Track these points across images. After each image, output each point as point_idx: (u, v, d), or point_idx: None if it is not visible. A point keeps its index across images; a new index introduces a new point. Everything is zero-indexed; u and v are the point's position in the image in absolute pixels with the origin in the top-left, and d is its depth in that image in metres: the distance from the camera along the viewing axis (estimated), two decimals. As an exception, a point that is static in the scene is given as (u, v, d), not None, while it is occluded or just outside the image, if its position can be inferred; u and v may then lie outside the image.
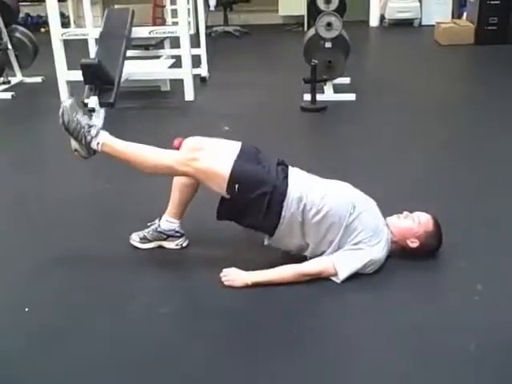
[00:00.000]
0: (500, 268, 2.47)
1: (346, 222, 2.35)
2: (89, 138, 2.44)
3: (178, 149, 3.81)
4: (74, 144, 2.49)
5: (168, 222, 2.63)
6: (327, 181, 2.53)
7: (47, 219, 3.06)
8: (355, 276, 2.35)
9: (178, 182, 2.59)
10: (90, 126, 2.45)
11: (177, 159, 2.41)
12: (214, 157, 2.40)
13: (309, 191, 2.38)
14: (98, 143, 2.45)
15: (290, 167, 2.53)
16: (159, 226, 2.64)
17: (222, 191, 2.38)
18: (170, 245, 2.66)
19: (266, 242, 2.50)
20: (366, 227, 2.37)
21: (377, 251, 2.38)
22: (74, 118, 2.43)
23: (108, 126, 4.50)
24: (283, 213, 2.35)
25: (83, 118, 2.46)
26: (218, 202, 2.44)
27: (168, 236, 2.64)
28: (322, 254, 2.42)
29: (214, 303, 2.31)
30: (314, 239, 2.40)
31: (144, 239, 2.67)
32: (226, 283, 2.36)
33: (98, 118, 4.51)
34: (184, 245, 2.67)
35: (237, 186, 2.33)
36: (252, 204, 2.36)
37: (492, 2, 7.46)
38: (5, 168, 3.88)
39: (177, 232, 2.64)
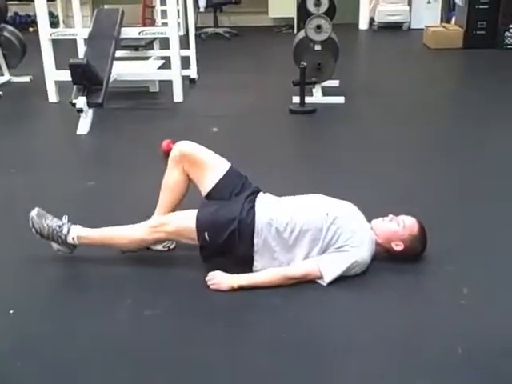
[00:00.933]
0: (486, 272, 2.49)
1: (324, 231, 2.37)
2: (63, 236, 2.54)
3: (166, 151, 3.84)
4: (54, 246, 2.59)
5: None
6: (296, 198, 2.56)
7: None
8: (341, 278, 2.35)
9: (166, 184, 2.61)
10: (60, 227, 2.55)
11: (145, 231, 2.51)
12: (177, 216, 2.52)
13: (277, 214, 2.42)
14: (73, 238, 2.55)
15: (260, 194, 2.56)
16: None
17: (195, 242, 2.44)
18: (158, 246, 2.65)
19: (253, 269, 2.47)
20: (345, 230, 2.38)
21: (361, 252, 2.38)
22: (44, 224, 2.54)
23: (96, 126, 4.51)
24: (255, 240, 2.39)
25: (52, 222, 2.56)
26: (199, 249, 2.46)
27: None
28: None
29: (200, 306, 2.31)
30: (298, 256, 2.41)
31: None
32: (211, 287, 2.36)
33: (86, 118, 4.50)
34: (171, 247, 2.67)
35: (206, 233, 2.40)
36: (225, 244, 2.41)
37: (481, 7, 7.50)
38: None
39: None
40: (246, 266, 2.44)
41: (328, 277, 2.34)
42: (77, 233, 2.56)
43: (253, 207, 2.46)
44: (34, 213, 2.57)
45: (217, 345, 2.09)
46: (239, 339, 2.13)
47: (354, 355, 2.02)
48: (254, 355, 2.03)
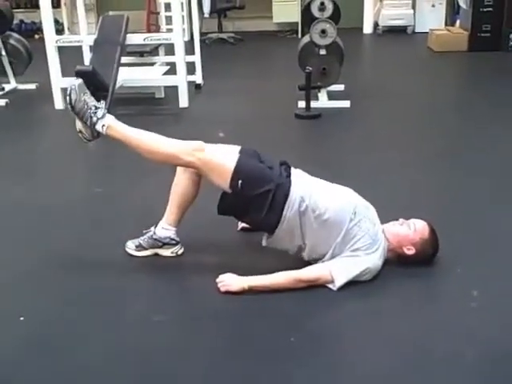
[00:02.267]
0: (496, 274, 2.48)
1: (346, 227, 2.35)
2: (94, 119, 2.45)
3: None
4: (78, 125, 2.50)
5: (164, 229, 2.61)
6: (330, 184, 2.53)
7: (41, 226, 3.05)
8: (352, 283, 2.35)
9: (177, 188, 2.56)
10: (96, 108, 2.46)
11: (182, 148, 2.42)
12: (218, 150, 2.44)
13: (312, 193, 2.38)
14: (104, 125, 2.46)
15: (292, 168, 2.53)
16: (155, 233, 2.62)
17: (224, 185, 2.38)
18: (166, 252, 2.65)
19: (264, 243, 2.49)
20: (366, 234, 2.36)
21: (374, 259, 2.37)
22: (82, 98, 2.45)
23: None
24: (285, 212, 2.35)
25: (90, 100, 2.47)
26: (220, 197, 2.44)
27: (164, 243, 2.63)
28: (319, 256, 2.42)
29: (210, 310, 2.30)
30: (314, 241, 2.40)
31: (139, 247, 2.66)
32: (222, 289, 2.35)
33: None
34: (179, 252, 2.66)
35: (240, 181, 2.34)
36: (254, 201, 2.36)
37: (485, 10, 7.51)
38: (-1, 175, 3.87)
39: (172, 239, 2.62)
40: (263, 230, 2.45)
41: (339, 281, 2.33)
42: (109, 122, 2.45)
43: (289, 176, 2.43)
44: (76, 82, 2.46)
45: (226, 349, 2.08)
46: (248, 343, 2.12)
47: (364, 359, 2.01)
48: (263, 359, 2.02)
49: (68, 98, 2.45)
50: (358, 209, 2.40)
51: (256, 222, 2.46)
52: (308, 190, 2.39)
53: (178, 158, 2.42)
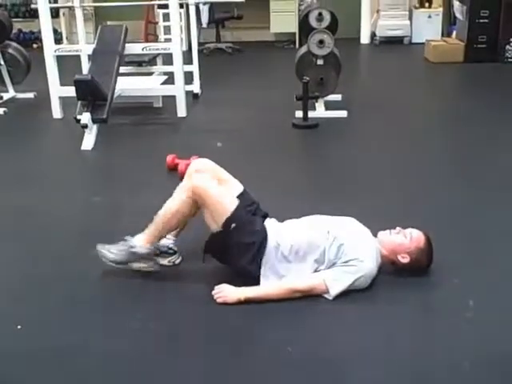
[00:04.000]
0: (492, 284, 2.49)
1: (327, 248, 2.40)
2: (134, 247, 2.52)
3: (171, 166, 3.86)
4: (135, 266, 2.57)
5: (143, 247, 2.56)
6: (298, 221, 2.58)
7: (37, 234, 3.05)
8: (347, 292, 2.36)
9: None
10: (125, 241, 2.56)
11: (187, 188, 2.48)
12: (223, 189, 2.52)
13: (282, 238, 2.46)
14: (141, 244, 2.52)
15: (267, 219, 2.60)
16: None
17: (217, 222, 2.43)
18: (163, 261, 2.65)
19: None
20: (349, 245, 2.40)
21: (367, 266, 2.39)
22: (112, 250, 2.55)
23: (101, 142, 4.53)
24: (263, 263, 2.43)
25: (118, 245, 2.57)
26: (208, 238, 2.49)
27: (161, 252, 2.63)
28: None
29: (206, 320, 2.31)
30: (304, 274, 2.42)
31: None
32: (218, 300, 2.36)
33: (91, 134, 4.52)
34: (177, 262, 2.67)
35: (233, 225, 2.41)
36: (238, 248, 2.43)
37: (481, 21, 7.55)
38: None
39: (170, 249, 2.64)
40: (249, 278, 2.45)
41: (334, 291, 2.35)
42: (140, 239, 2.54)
43: (266, 228, 2.51)
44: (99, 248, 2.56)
45: (223, 358, 2.09)
46: (245, 353, 2.13)
47: (360, 369, 2.02)
48: (260, 369, 2.03)
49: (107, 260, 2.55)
50: (330, 226, 2.46)
51: (236, 268, 2.51)
52: (279, 237, 2.46)
53: (187, 202, 2.46)
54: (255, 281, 2.43)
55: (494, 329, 2.20)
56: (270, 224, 2.56)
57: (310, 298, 2.36)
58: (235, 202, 2.47)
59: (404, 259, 2.47)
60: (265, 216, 2.63)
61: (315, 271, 2.42)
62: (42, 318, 2.34)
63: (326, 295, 2.36)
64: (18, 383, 1.99)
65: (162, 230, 2.53)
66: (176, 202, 2.49)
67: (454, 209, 3.24)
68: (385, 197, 3.40)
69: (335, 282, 2.35)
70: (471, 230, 2.97)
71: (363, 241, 2.46)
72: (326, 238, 2.41)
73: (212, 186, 2.49)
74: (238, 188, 2.63)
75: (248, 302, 2.34)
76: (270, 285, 2.39)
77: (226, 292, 2.38)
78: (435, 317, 2.31)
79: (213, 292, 2.39)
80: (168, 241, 2.63)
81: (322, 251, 2.40)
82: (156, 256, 2.63)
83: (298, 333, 2.20)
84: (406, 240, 2.47)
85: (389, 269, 2.51)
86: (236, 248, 2.43)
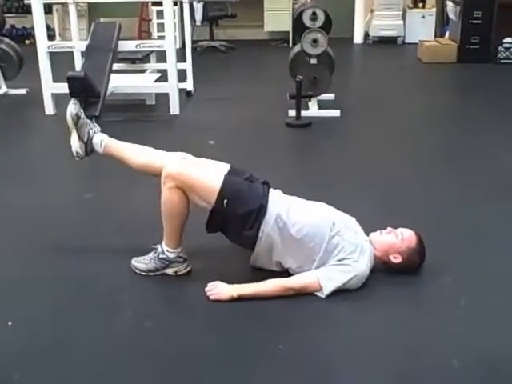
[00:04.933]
0: (483, 283, 2.50)
1: (327, 239, 2.38)
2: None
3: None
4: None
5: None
6: (306, 201, 2.57)
7: (29, 230, 3.04)
8: (339, 291, 2.36)
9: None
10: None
11: (169, 160, 2.50)
12: (204, 170, 2.47)
13: (289, 210, 2.43)
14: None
15: (271, 188, 2.57)
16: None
17: (208, 204, 2.40)
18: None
19: (251, 261, 2.53)
20: (348, 243, 2.40)
21: (361, 266, 2.40)
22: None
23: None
24: (262, 227, 2.39)
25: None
26: (208, 216, 2.46)
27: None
28: (305, 270, 2.43)
29: (199, 317, 2.31)
30: (297, 258, 2.43)
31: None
32: (211, 297, 2.36)
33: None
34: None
35: (225, 201, 2.37)
36: (238, 219, 2.40)
37: (474, 22, 7.59)
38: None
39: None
40: (243, 246, 2.50)
41: (327, 289, 2.35)
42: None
43: (268, 194, 2.48)
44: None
45: (215, 356, 2.09)
46: (236, 350, 2.13)
47: (351, 367, 2.03)
48: (251, 366, 2.03)
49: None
50: (336, 220, 2.45)
51: (236, 239, 2.51)
52: (285, 208, 2.44)
53: (164, 183, 2.42)
54: (251, 246, 2.43)
55: (485, 327, 2.21)
56: (276, 194, 2.53)
57: (302, 295, 2.36)
58: (220, 177, 2.42)
59: (396, 259, 2.47)
60: (264, 183, 2.57)
61: (306, 258, 2.41)
62: (32, 315, 2.33)
63: (318, 293, 2.36)
64: (7, 381, 1.99)
65: (173, 229, 2.48)
66: (164, 199, 2.43)
67: (446, 208, 3.26)
68: (377, 196, 3.40)
69: (329, 281, 2.35)
70: (463, 229, 2.99)
71: (361, 241, 2.46)
72: (330, 228, 2.40)
73: (188, 166, 2.46)
74: (223, 167, 2.56)
75: (241, 299, 2.34)
76: (263, 282, 2.39)
77: (219, 289, 2.38)
78: (426, 315, 2.32)
79: (206, 289, 2.39)
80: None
81: (322, 240, 2.38)
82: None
83: (289, 330, 2.21)
84: (397, 240, 2.47)
85: (380, 268, 2.51)
86: (235, 221, 2.40)
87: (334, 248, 2.39)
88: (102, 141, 2.65)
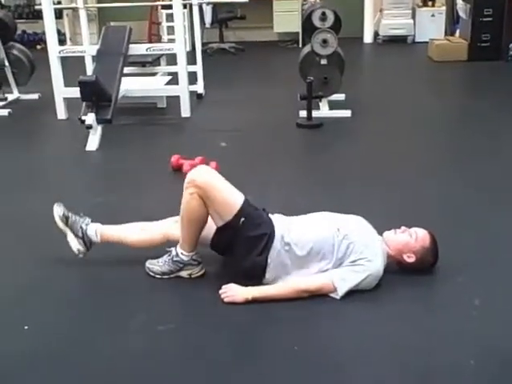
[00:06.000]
0: (497, 282, 2.49)
1: (336, 246, 2.39)
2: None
3: (175, 166, 3.87)
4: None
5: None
6: (306, 216, 2.58)
7: (41, 235, 3.05)
8: (354, 292, 2.36)
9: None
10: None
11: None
12: (229, 188, 2.47)
13: (289, 231, 2.44)
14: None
15: (270, 214, 2.57)
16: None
17: (221, 220, 2.40)
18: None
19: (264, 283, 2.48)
20: (358, 244, 2.39)
21: (375, 266, 2.39)
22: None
23: (105, 142, 4.54)
24: (271, 253, 2.40)
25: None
26: (215, 231, 2.46)
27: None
28: None
29: (213, 320, 2.31)
30: (311, 270, 2.42)
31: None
32: (226, 300, 2.36)
33: (95, 134, 4.53)
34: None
35: (243, 219, 2.39)
36: (249, 240, 2.41)
37: (484, 20, 7.54)
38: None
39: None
40: (254, 278, 2.44)
41: (342, 290, 2.35)
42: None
43: (272, 221, 2.49)
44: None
45: (230, 358, 2.09)
46: (251, 352, 2.13)
47: (366, 368, 2.02)
48: (266, 368, 2.03)
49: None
50: (340, 224, 2.45)
51: (241, 262, 2.44)
52: (286, 229, 2.44)
53: (186, 188, 2.41)
54: (261, 273, 2.42)
55: (500, 326, 2.20)
56: (276, 218, 2.54)
57: (316, 297, 2.36)
58: (242, 196, 2.45)
59: (410, 259, 2.47)
60: (263, 210, 2.58)
61: (320, 268, 2.41)
62: (48, 319, 2.35)
63: (333, 295, 2.36)
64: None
65: (190, 234, 2.47)
66: (184, 204, 2.42)
67: (459, 207, 3.24)
68: (389, 195, 3.40)
69: (343, 282, 2.35)
70: (475, 229, 2.97)
71: (371, 240, 2.45)
72: (335, 235, 2.40)
73: (216, 177, 2.46)
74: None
75: (255, 301, 2.34)
76: (277, 285, 2.40)
77: (234, 292, 2.38)
78: (440, 315, 2.31)
79: (220, 291, 2.39)
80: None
81: (330, 248, 2.39)
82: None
83: (304, 332, 2.21)
84: (411, 239, 2.47)
85: (392, 267, 2.51)
86: (245, 243, 2.41)
87: (344, 253, 2.39)
88: (96, 230, 2.65)
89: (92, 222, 2.69)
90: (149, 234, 2.64)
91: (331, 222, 2.48)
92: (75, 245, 2.66)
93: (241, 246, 2.43)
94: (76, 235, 2.65)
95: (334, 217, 2.54)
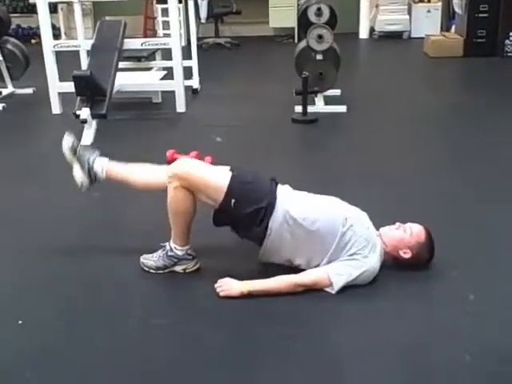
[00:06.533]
0: (492, 277, 2.50)
1: (339, 235, 2.37)
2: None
3: (170, 161, 3.85)
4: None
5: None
6: (317, 196, 2.56)
7: (38, 229, 3.05)
8: (349, 287, 2.36)
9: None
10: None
11: (171, 171, 2.45)
12: (210, 170, 2.48)
13: (298, 206, 2.42)
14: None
15: (279, 185, 2.56)
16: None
17: (215, 203, 2.40)
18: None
19: (259, 257, 2.53)
20: (360, 238, 2.39)
21: (371, 262, 2.39)
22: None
23: (100, 137, 4.53)
24: (270, 224, 2.38)
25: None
26: (213, 213, 2.47)
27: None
28: (315, 265, 2.43)
29: (208, 314, 2.31)
30: (307, 255, 2.42)
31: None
32: (221, 293, 2.36)
33: (90, 129, 4.52)
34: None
35: (233, 200, 2.37)
36: (246, 217, 2.40)
37: (480, 15, 7.55)
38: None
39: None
40: (252, 240, 2.49)
41: (337, 285, 2.35)
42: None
43: (276, 190, 2.48)
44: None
45: (224, 352, 2.09)
46: (246, 347, 2.13)
47: (360, 363, 2.02)
48: (261, 363, 2.03)
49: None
50: (348, 214, 2.43)
51: (246, 234, 2.51)
52: (294, 204, 2.43)
53: (169, 183, 2.42)
54: (259, 242, 2.43)
55: (495, 322, 2.20)
56: (284, 190, 2.52)
57: (312, 291, 2.36)
58: (228, 175, 2.42)
59: (406, 254, 2.46)
60: (272, 179, 2.56)
61: (319, 252, 2.39)
62: (42, 314, 2.34)
63: (328, 289, 2.36)
64: (19, 379, 1.99)
65: (180, 227, 2.47)
66: (170, 198, 2.43)
67: (454, 203, 3.24)
68: (384, 191, 3.40)
69: (339, 277, 2.35)
70: (470, 224, 2.98)
71: (372, 237, 2.45)
72: (342, 223, 2.38)
73: (194, 166, 2.46)
74: (225, 169, 2.54)
75: (251, 295, 2.34)
76: (273, 278, 2.38)
77: (229, 285, 2.37)
78: (435, 311, 2.31)
79: (216, 285, 2.39)
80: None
81: (334, 236, 2.37)
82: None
83: (299, 327, 2.21)
84: (406, 235, 2.47)
85: (388, 263, 2.51)
86: (244, 219, 2.40)
87: (345, 243, 2.37)
88: (103, 166, 2.66)
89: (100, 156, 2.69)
90: (155, 178, 2.62)
91: (340, 210, 2.46)
92: (80, 177, 2.67)
93: (241, 223, 2.44)
94: (82, 168, 2.65)
95: (343, 205, 2.52)
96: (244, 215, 2.39)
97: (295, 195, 2.52)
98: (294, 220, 2.38)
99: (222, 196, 2.38)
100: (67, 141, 2.69)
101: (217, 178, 2.43)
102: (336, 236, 2.37)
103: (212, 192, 2.40)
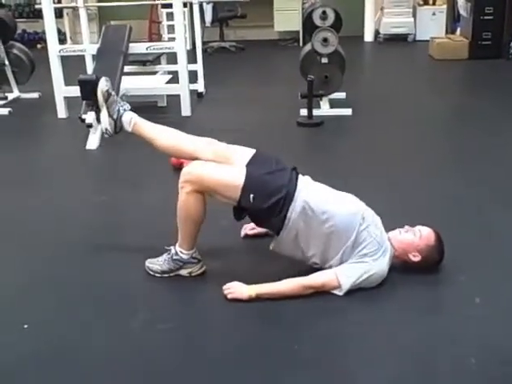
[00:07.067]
0: (498, 281, 2.48)
1: (356, 232, 2.35)
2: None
3: (175, 164, 3.86)
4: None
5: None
6: (336, 191, 2.54)
7: (44, 233, 3.05)
8: (356, 290, 2.35)
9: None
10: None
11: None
12: (224, 168, 2.44)
13: (318, 199, 2.40)
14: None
15: (300, 175, 2.54)
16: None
17: (233, 201, 2.39)
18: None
19: (271, 247, 2.50)
20: (374, 240, 2.37)
21: (380, 265, 2.38)
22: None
23: (105, 141, 4.53)
24: (288, 214, 2.36)
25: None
26: (233, 210, 2.46)
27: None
28: (327, 261, 2.42)
29: (215, 318, 2.31)
30: (322, 246, 2.40)
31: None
32: (229, 296, 2.35)
33: (95, 134, 4.52)
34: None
35: (251, 195, 2.35)
36: (266, 210, 2.37)
37: (485, 18, 7.54)
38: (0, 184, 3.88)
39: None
40: (269, 229, 2.52)
41: (345, 287, 2.34)
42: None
43: (297, 180, 2.46)
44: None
45: (231, 357, 2.08)
46: (252, 351, 2.12)
47: (368, 367, 2.01)
48: (267, 367, 2.02)
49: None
50: (366, 214, 2.42)
51: (265, 225, 2.53)
52: (314, 196, 2.40)
53: (182, 188, 2.41)
54: (277, 231, 2.42)
55: (501, 325, 2.19)
56: (304, 181, 2.50)
57: (318, 295, 2.35)
58: (243, 172, 2.39)
59: (415, 258, 2.45)
60: (293, 169, 2.54)
61: (333, 248, 2.38)
62: (46, 317, 2.34)
63: (336, 291, 2.35)
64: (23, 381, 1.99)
65: (188, 232, 2.46)
66: (180, 203, 2.42)
67: (459, 205, 3.23)
68: (389, 193, 3.39)
69: (348, 279, 2.34)
70: (476, 226, 2.96)
71: (384, 240, 2.44)
72: (359, 223, 2.36)
73: (207, 168, 2.42)
74: (248, 154, 2.54)
75: (259, 298, 2.33)
76: (281, 282, 2.37)
77: (238, 289, 2.36)
78: (442, 314, 2.30)
79: (224, 287, 2.38)
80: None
81: (351, 232, 2.35)
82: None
83: (306, 330, 2.20)
84: (415, 238, 2.45)
85: (396, 266, 2.49)
86: (264, 212, 2.37)
87: (360, 243, 2.36)
88: (132, 119, 2.63)
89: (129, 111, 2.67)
90: (181, 143, 2.62)
91: (359, 209, 2.43)
92: (105, 124, 2.65)
93: (260, 215, 2.42)
94: (110, 115, 2.63)
95: (361, 204, 2.49)
96: (263, 208, 2.36)
97: (316, 187, 2.50)
98: (313, 211, 2.36)
99: (238, 193, 2.36)
100: (103, 84, 2.65)
101: (231, 176, 2.40)
102: (353, 232, 2.35)
103: (228, 191, 2.38)
